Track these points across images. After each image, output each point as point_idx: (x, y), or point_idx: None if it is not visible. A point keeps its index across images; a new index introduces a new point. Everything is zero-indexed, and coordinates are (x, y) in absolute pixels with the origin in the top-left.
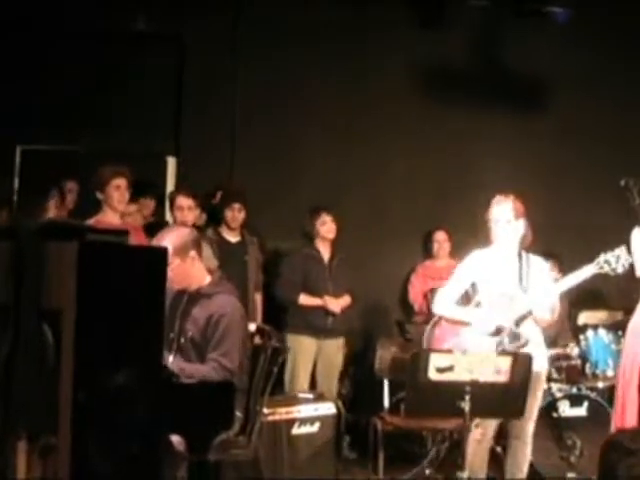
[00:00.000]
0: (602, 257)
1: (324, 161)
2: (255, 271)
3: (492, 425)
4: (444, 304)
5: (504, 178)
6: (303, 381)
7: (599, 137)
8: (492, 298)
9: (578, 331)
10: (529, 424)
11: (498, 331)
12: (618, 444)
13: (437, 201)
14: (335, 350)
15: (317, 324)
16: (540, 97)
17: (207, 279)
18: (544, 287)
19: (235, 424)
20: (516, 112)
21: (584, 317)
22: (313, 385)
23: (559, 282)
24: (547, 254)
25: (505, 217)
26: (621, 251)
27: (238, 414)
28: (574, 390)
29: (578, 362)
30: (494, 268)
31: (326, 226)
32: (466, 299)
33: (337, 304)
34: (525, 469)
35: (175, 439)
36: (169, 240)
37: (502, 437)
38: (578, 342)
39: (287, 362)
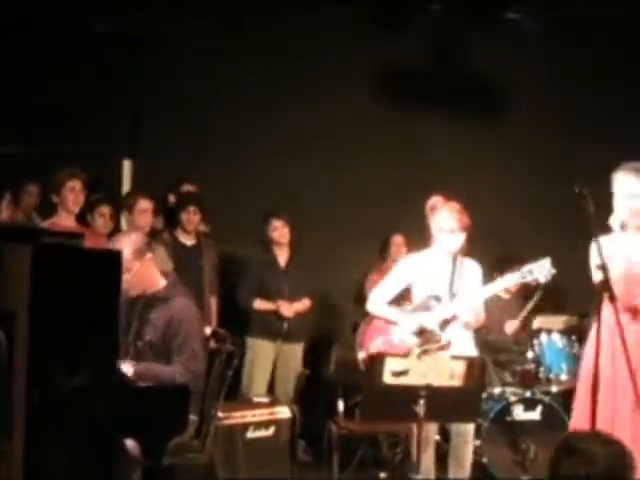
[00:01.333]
0: (527, 267)
1: (280, 164)
2: (210, 275)
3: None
4: (377, 303)
5: (459, 181)
6: (261, 385)
7: (552, 142)
8: (422, 300)
9: (532, 335)
10: (471, 423)
11: (421, 331)
12: (566, 444)
13: (393, 204)
14: (293, 354)
15: (274, 328)
16: (495, 101)
17: (162, 282)
18: (470, 292)
19: (190, 428)
20: (471, 116)
21: (538, 321)
22: (272, 389)
23: (483, 288)
24: (500, 258)
25: (449, 227)
26: (546, 261)
27: (193, 418)
28: (528, 394)
29: (532, 366)
30: (428, 271)
31: (277, 231)
32: (407, 299)
33: (290, 309)
34: (468, 468)
35: (129, 443)
36: (126, 244)
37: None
38: (532, 346)
39: (245, 366)
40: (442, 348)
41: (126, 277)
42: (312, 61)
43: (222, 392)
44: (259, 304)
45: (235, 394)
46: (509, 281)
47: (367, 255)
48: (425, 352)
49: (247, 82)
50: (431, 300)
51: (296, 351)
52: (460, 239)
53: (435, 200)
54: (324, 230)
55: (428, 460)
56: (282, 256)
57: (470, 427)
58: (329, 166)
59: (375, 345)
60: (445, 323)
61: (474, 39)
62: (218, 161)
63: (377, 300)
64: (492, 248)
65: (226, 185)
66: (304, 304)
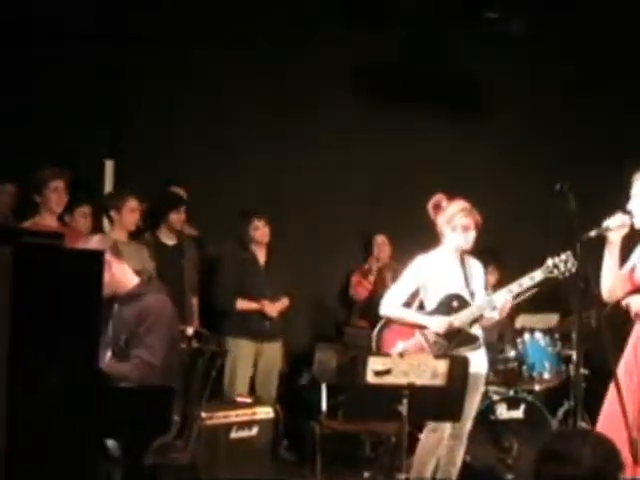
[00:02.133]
0: (550, 261)
1: (259, 163)
2: (191, 274)
3: (448, 429)
4: (392, 306)
5: (442, 180)
6: (242, 385)
7: (535, 140)
8: (442, 300)
9: (515, 334)
10: (468, 424)
11: (452, 332)
12: (551, 445)
13: (375, 203)
14: (274, 353)
15: (256, 328)
16: (478, 100)
17: (134, 280)
18: (505, 289)
19: (172, 428)
20: (453, 114)
21: (521, 320)
22: (253, 389)
23: (511, 285)
24: (491, 257)
25: (463, 225)
26: (567, 255)
27: (175, 418)
28: (511, 393)
29: (515, 365)
30: (441, 271)
31: (259, 231)
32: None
33: (274, 308)
34: (459, 466)
35: (110, 443)
36: (94, 247)
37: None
38: (515, 345)
39: (226, 366)
40: (475, 348)
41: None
42: (297, 60)
43: (205, 392)
44: (242, 304)
45: (217, 395)
46: (534, 278)
47: (349, 255)
48: (443, 355)
49: (228, 78)
50: (453, 300)
51: (277, 350)
52: (473, 237)
53: (438, 198)
54: (304, 229)
55: (430, 465)
56: (261, 256)
57: (465, 428)
58: (310, 164)
59: (397, 348)
60: (474, 322)
61: (456, 37)
62: (197, 160)
63: (392, 303)
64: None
65: (206, 184)
66: (283, 303)
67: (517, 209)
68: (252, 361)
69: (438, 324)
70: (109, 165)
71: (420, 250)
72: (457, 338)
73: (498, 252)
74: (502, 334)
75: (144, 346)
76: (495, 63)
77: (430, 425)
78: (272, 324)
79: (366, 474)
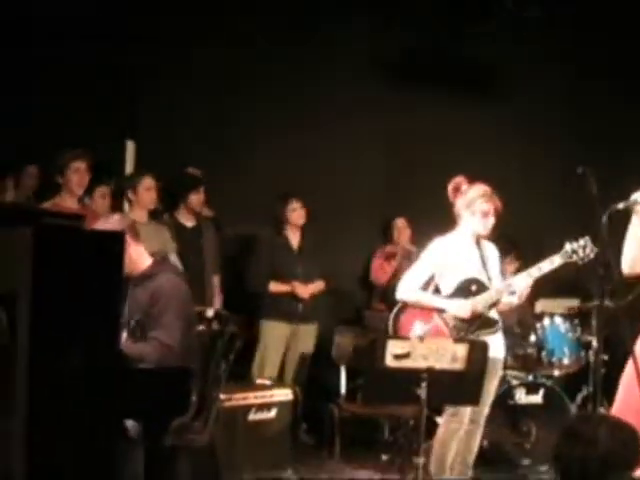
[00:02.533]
0: (569, 247)
1: (281, 148)
2: (212, 254)
3: (468, 413)
4: (410, 290)
5: (461, 164)
6: (273, 368)
7: (552, 124)
8: (460, 283)
9: (535, 319)
10: (486, 408)
11: (473, 316)
12: (570, 426)
13: (392, 187)
14: (308, 335)
15: (288, 310)
16: (493, 84)
17: (148, 261)
18: (525, 273)
19: (191, 409)
20: (468, 101)
21: (541, 305)
22: (282, 370)
23: (531, 269)
24: (510, 246)
25: (482, 210)
26: (586, 241)
27: (193, 399)
28: (530, 378)
29: (534, 350)
30: (458, 255)
31: (296, 212)
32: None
33: (306, 290)
34: (475, 451)
35: (130, 424)
36: (113, 227)
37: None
38: (535, 330)
39: (258, 349)
40: (493, 332)
41: None
42: (313, 45)
43: (223, 374)
44: (274, 286)
45: (244, 377)
46: (554, 262)
47: (370, 239)
48: (462, 339)
49: (246, 64)
50: (472, 284)
51: (311, 332)
52: (491, 223)
53: (459, 180)
54: (325, 214)
55: (450, 450)
56: (294, 238)
57: (483, 413)
58: (330, 150)
59: (415, 332)
60: (493, 306)
61: (470, 24)
62: (221, 144)
63: (410, 287)
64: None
65: (228, 168)
66: (318, 285)
67: (533, 195)
68: (284, 343)
69: (461, 308)
70: (130, 146)
71: (438, 233)
72: (477, 322)
73: (517, 241)
74: (522, 319)
75: (160, 327)
76: (511, 45)
77: (450, 410)
78: (305, 306)
79: (384, 457)
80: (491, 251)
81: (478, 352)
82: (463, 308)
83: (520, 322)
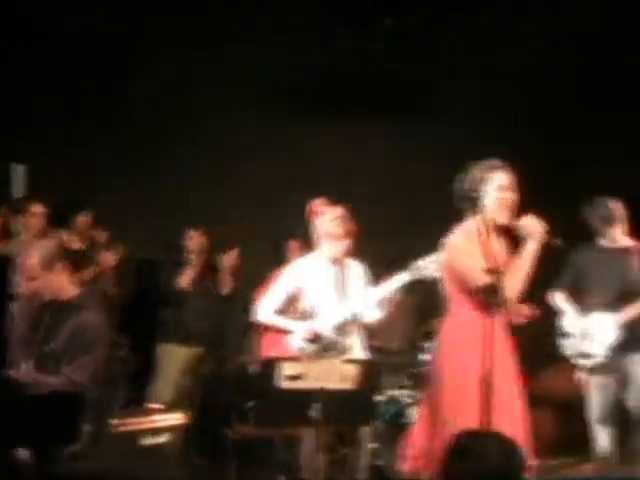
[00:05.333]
0: (415, 264)
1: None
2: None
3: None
4: (265, 312)
5: (346, 183)
6: (170, 392)
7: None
8: (313, 305)
9: (426, 338)
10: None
11: (316, 338)
12: (459, 442)
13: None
14: (203, 359)
15: (185, 334)
16: (380, 102)
17: (75, 291)
18: (362, 293)
19: (83, 436)
20: (357, 118)
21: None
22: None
23: (376, 289)
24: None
25: (331, 233)
26: (437, 256)
27: (87, 426)
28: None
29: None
30: (315, 275)
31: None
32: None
33: None
34: (364, 471)
35: (21, 451)
36: (37, 253)
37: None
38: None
39: (157, 372)
40: (341, 353)
41: (35, 284)
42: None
43: (116, 399)
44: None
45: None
46: (400, 280)
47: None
48: (322, 358)
49: (166, 85)
50: (322, 305)
51: (207, 355)
52: (343, 245)
53: (315, 204)
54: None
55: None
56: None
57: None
58: (218, 169)
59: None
60: (340, 326)
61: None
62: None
63: (265, 309)
64: (383, 248)
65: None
66: None
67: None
68: (181, 367)
69: (302, 330)
70: (19, 170)
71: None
72: (320, 343)
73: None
74: (412, 339)
75: (76, 364)
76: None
77: None
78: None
79: (281, 478)
80: (355, 271)
81: (368, 372)
82: (305, 330)
83: (410, 342)
